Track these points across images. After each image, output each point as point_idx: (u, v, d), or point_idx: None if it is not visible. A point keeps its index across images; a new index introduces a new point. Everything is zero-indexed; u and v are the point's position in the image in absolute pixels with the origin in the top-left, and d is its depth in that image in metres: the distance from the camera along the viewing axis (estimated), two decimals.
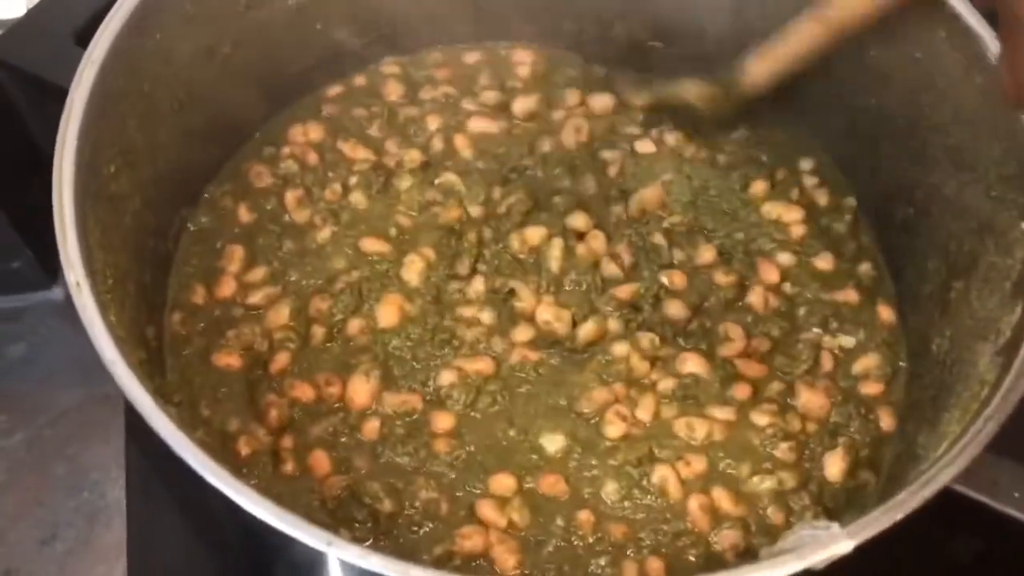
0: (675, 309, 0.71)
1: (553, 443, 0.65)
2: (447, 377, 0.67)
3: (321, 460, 0.64)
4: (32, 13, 0.69)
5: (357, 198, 0.76)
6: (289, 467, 0.64)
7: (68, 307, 0.54)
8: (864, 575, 0.47)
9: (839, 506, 0.64)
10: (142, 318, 0.63)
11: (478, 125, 0.82)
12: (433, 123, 0.82)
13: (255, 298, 0.70)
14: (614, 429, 0.65)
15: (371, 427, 0.65)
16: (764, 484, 0.64)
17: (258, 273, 0.71)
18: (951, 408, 0.57)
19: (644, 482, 0.64)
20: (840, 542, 0.44)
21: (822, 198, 0.79)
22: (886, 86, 0.72)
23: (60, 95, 0.58)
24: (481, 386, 0.67)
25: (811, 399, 0.68)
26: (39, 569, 0.79)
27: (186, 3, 0.67)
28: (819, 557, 0.44)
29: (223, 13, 0.71)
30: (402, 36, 0.85)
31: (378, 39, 0.84)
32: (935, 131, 0.69)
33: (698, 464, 0.65)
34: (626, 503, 0.63)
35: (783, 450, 0.66)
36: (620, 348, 0.69)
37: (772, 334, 0.71)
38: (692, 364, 0.69)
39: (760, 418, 0.67)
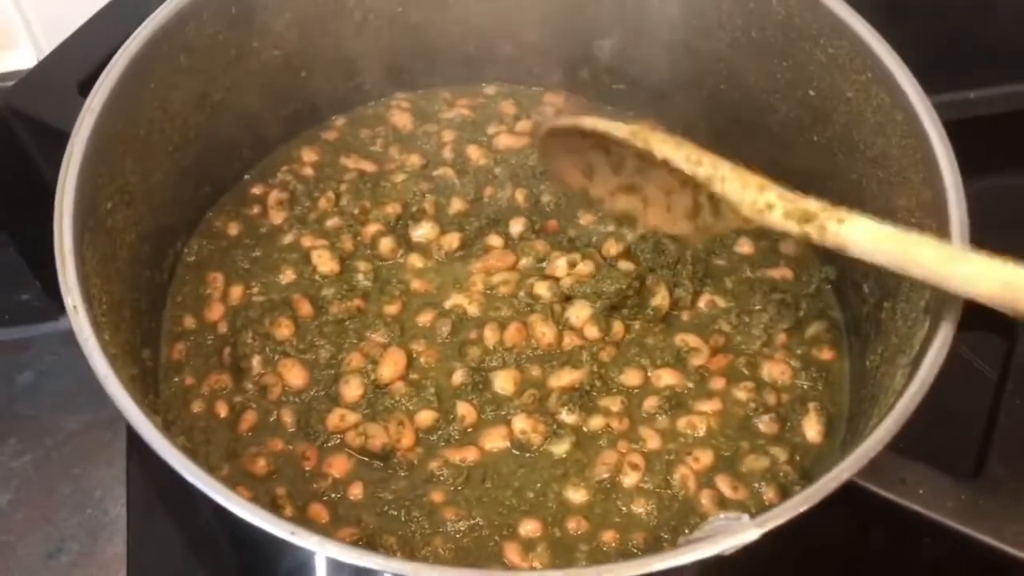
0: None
1: (577, 496, 0.68)
2: (434, 464, 0.69)
3: (319, 512, 0.67)
4: (41, 65, 0.75)
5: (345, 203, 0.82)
6: (289, 512, 0.67)
7: (73, 337, 0.58)
8: (785, 563, 0.52)
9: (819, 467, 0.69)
10: (137, 341, 0.68)
11: (503, 141, 0.87)
12: (448, 136, 0.87)
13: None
14: (630, 479, 0.69)
15: (356, 491, 0.68)
16: (759, 462, 0.70)
17: (235, 291, 0.77)
18: (872, 416, 0.63)
19: (667, 491, 0.69)
20: (748, 531, 0.49)
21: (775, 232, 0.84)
22: (825, 125, 0.78)
23: (65, 139, 0.64)
24: (471, 472, 0.69)
25: (773, 369, 0.75)
26: None
27: (180, 55, 0.72)
28: (728, 544, 0.48)
29: (214, 62, 0.76)
30: (404, 78, 0.91)
31: (374, 81, 0.90)
32: (871, 163, 0.75)
33: (705, 458, 0.70)
34: (652, 511, 0.68)
35: (766, 422, 0.72)
36: (596, 422, 0.72)
37: (724, 329, 0.77)
38: (667, 377, 0.74)
39: (740, 394, 0.73)
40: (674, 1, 0.82)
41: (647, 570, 0.49)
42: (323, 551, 0.48)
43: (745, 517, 0.50)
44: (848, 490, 0.52)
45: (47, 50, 0.80)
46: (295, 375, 0.73)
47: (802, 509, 0.50)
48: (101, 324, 0.58)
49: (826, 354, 0.77)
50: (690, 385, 0.74)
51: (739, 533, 0.49)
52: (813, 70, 0.77)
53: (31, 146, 0.86)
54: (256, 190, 0.84)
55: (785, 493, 0.69)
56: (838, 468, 0.53)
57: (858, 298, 0.76)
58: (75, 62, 0.72)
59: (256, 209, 0.83)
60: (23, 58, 0.89)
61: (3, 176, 0.87)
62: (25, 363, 0.95)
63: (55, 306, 0.91)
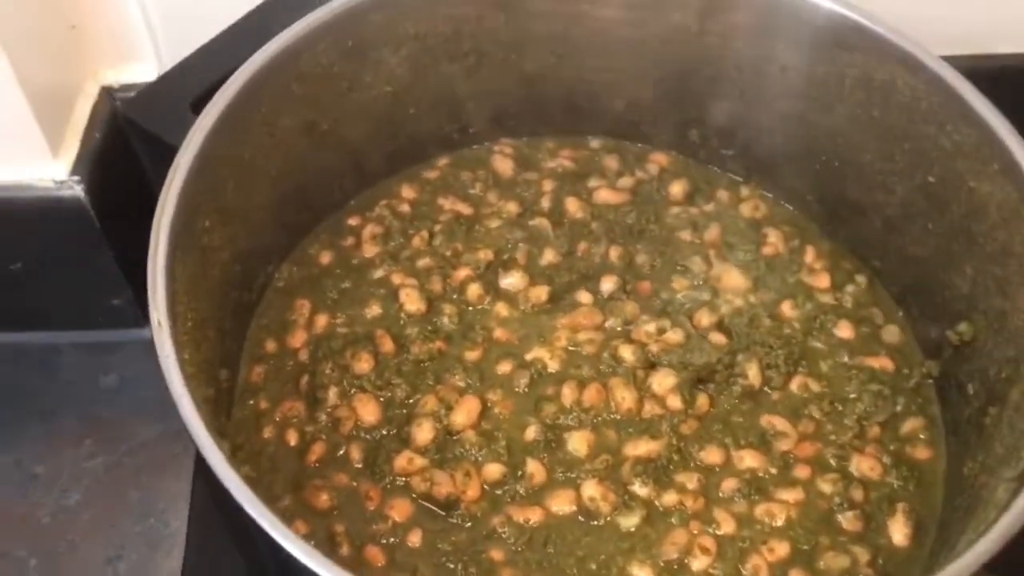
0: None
1: (642, 573, 0.66)
2: (496, 520, 0.67)
3: (375, 555, 0.66)
4: (159, 80, 0.77)
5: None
6: (345, 551, 0.66)
7: None
8: None
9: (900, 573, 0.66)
10: (216, 360, 0.68)
11: (603, 196, 0.85)
12: (547, 186, 0.86)
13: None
14: (699, 563, 0.66)
15: (414, 538, 0.67)
16: (838, 561, 0.66)
17: (321, 320, 0.77)
18: (968, 529, 0.58)
19: None
20: None
21: (878, 317, 0.81)
22: (943, 213, 0.74)
23: (173, 154, 0.65)
24: (534, 533, 0.67)
25: (862, 463, 0.71)
26: None
27: (292, 83, 0.73)
28: None
29: (326, 93, 0.77)
30: (510, 124, 0.90)
31: (480, 124, 0.89)
32: (989, 259, 0.71)
33: (781, 549, 0.67)
34: None
35: (850, 519, 0.68)
36: (670, 498, 0.69)
37: (814, 415, 0.73)
38: (750, 460, 0.71)
39: (825, 486, 0.70)
40: (795, 72, 0.80)
41: None
42: None
43: None
44: None
45: (168, 64, 0.82)
46: (369, 411, 0.72)
47: None
48: (183, 343, 0.58)
49: (921, 453, 0.73)
50: (773, 470, 0.71)
51: None
52: (935, 156, 0.73)
53: (144, 155, 0.88)
54: (353, 221, 0.84)
55: None
56: None
57: (961, 399, 0.72)
58: (192, 80, 0.73)
59: (350, 240, 0.83)
60: (146, 71, 0.92)
61: (114, 183, 0.89)
62: (111, 366, 0.97)
63: (144, 314, 0.93)
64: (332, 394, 0.73)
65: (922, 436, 0.74)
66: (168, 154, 0.66)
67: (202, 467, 0.82)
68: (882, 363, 0.77)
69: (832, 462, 0.72)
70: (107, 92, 0.91)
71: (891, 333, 0.80)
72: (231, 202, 0.71)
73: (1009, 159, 0.66)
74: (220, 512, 0.83)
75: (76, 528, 0.87)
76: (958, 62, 0.71)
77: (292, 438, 0.71)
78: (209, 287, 0.67)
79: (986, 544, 0.50)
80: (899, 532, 0.69)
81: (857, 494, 0.70)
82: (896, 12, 0.73)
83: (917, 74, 0.72)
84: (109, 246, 0.90)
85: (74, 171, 0.85)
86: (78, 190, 0.85)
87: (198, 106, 0.69)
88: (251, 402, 0.73)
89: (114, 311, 0.95)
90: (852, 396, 0.75)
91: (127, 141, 0.88)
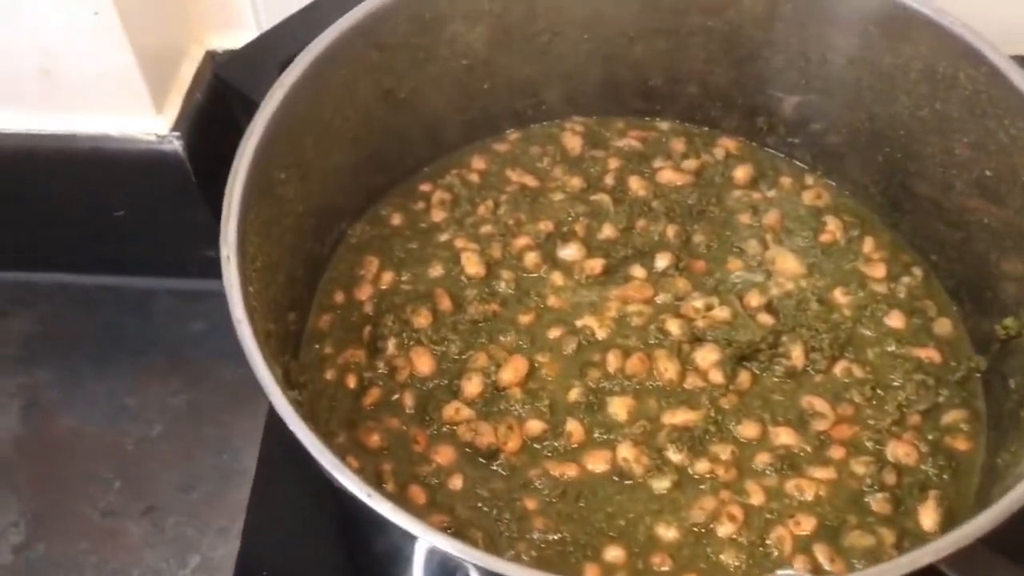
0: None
1: (668, 533, 0.69)
2: (533, 472, 0.71)
3: (417, 494, 0.70)
4: (251, 44, 0.82)
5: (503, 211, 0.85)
6: (390, 487, 0.70)
7: None
8: None
9: None
10: (286, 303, 0.74)
11: (666, 176, 0.88)
12: (613, 163, 0.89)
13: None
14: (725, 529, 0.69)
15: (455, 482, 0.70)
16: (863, 540, 0.68)
17: (387, 277, 0.81)
18: None
19: (761, 548, 0.68)
20: None
21: (931, 310, 0.81)
22: (1000, 207, 0.74)
23: None
24: (567, 487, 0.70)
25: (898, 449, 0.72)
26: (176, 510, 0.91)
27: (372, 51, 0.78)
28: None
29: (403, 62, 0.81)
30: (582, 102, 0.93)
31: (552, 101, 0.92)
32: None
33: (807, 523, 0.69)
34: (741, 564, 0.67)
35: (879, 501, 0.70)
36: (702, 466, 0.71)
37: (855, 400, 0.75)
38: (785, 437, 0.73)
39: (858, 467, 0.71)
40: (860, 63, 0.81)
41: None
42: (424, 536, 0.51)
43: None
44: None
45: None
46: (424, 362, 0.76)
47: None
48: (250, 277, 0.63)
49: (961, 444, 0.74)
50: (807, 448, 0.73)
51: None
52: (994, 150, 0.73)
53: (237, 116, 0.94)
54: (424, 187, 0.88)
55: None
56: (921, 550, 0.50)
57: (1003, 392, 0.73)
58: (281, 44, 0.78)
59: (420, 205, 0.87)
60: (247, 37, 0.96)
61: (212, 141, 0.95)
62: (200, 313, 1.04)
63: None
64: (391, 345, 0.77)
65: (963, 428, 0.74)
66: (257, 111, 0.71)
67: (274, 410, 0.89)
68: (929, 354, 0.78)
69: (868, 445, 0.73)
70: (210, 56, 0.98)
71: (943, 326, 0.80)
72: (309, 159, 0.76)
73: None
74: (287, 452, 0.88)
75: (156, 456, 0.94)
76: None
77: (351, 381, 0.76)
78: (281, 234, 0.72)
79: (987, 516, 0.51)
80: (928, 518, 0.69)
81: (890, 478, 0.71)
82: (965, 9, 0.74)
83: (979, 67, 0.72)
84: (204, 200, 0.96)
85: (175, 127, 0.92)
86: (178, 145, 0.92)
87: (285, 68, 0.74)
88: (316, 346, 0.78)
89: (206, 262, 1.00)
90: (896, 384, 0.76)
91: (226, 103, 0.95)
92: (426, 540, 0.53)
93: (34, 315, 1.03)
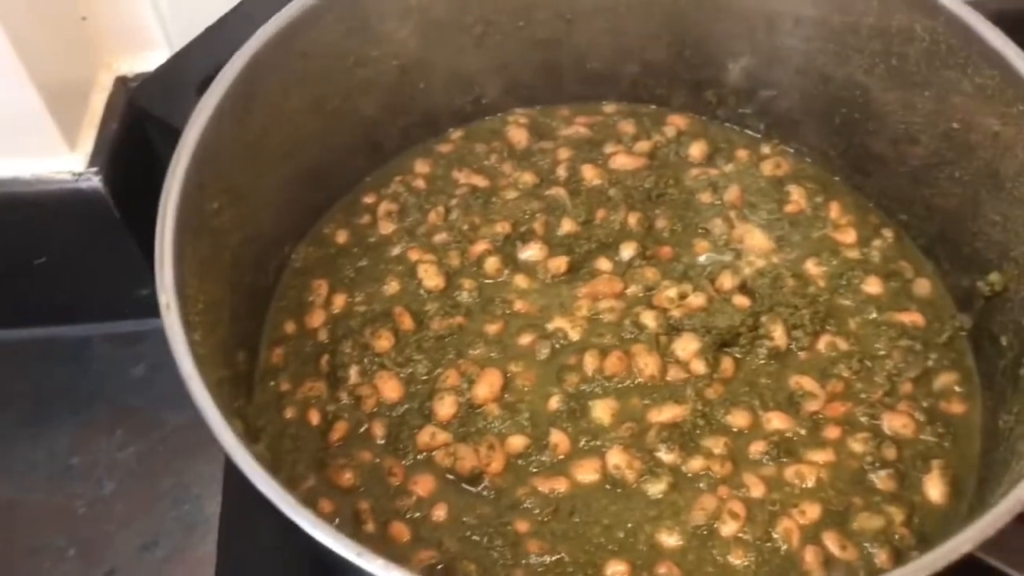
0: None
1: (671, 540, 0.65)
2: (522, 491, 0.67)
3: (400, 531, 0.65)
4: (164, 66, 0.77)
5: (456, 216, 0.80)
6: (371, 528, 0.66)
7: None
8: None
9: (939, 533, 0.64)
10: (233, 343, 0.68)
11: (619, 161, 0.84)
12: (563, 154, 0.85)
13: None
14: (728, 528, 0.65)
15: (439, 512, 0.66)
16: (873, 522, 0.65)
17: (339, 300, 0.76)
18: (1003, 482, 0.56)
19: (768, 544, 0.65)
20: None
21: (907, 272, 0.79)
22: (969, 159, 0.72)
23: None
24: (560, 503, 0.66)
25: (894, 421, 0.69)
26: (138, 572, 0.85)
27: (297, 60, 0.72)
28: None
29: (332, 69, 0.76)
30: (523, 93, 0.88)
31: (492, 95, 0.88)
32: (1018, 203, 0.68)
33: (812, 511, 0.66)
34: (751, 564, 0.64)
35: (883, 478, 0.67)
36: (696, 463, 0.68)
37: (843, 375, 0.72)
38: (777, 422, 0.70)
39: (856, 445, 0.68)
40: (808, 24, 0.77)
41: None
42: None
43: None
44: (969, 565, 0.47)
45: None
46: (390, 388, 0.72)
47: None
48: (194, 324, 0.58)
49: (956, 407, 0.71)
50: (802, 432, 0.70)
51: None
52: (958, 101, 0.71)
53: (156, 143, 0.88)
54: (368, 199, 0.84)
55: (900, 558, 0.63)
56: (957, 539, 0.47)
57: (995, 351, 0.70)
58: (197, 64, 0.73)
59: (366, 218, 0.82)
60: (160, 59, 0.91)
61: (133, 172, 0.89)
62: (140, 356, 0.97)
63: None
64: (353, 373, 0.73)
65: (957, 390, 0.72)
66: (177, 139, 0.65)
67: None
68: (912, 318, 0.75)
69: (863, 420, 0.70)
70: (122, 82, 0.91)
71: (922, 287, 0.77)
72: (241, 183, 0.70)
73: None
74: (252, 495, 0.83)
75: (111, 517, 0.88)
76: (985, 7, 0.69)
77: (314, 418, 0.71)
78: (221, 269, 0.67)
79: (1017, 495, 0.48)
80: (935, 489, 0.67)
81: (890, 452, 0.68)
82: None
83: (935, 17, 0.70)
84: (131, 236, 0.90)
85: (92, 163, 0.86)
86: (96, 181, 0.85)
87: (203, 89, 0.69)
88: (272, 384, 0.73)
89: (141, 301, 0.95)
90: (882, 353, 0.73)
91: (144, 130, 0.88)
92: None
93: None
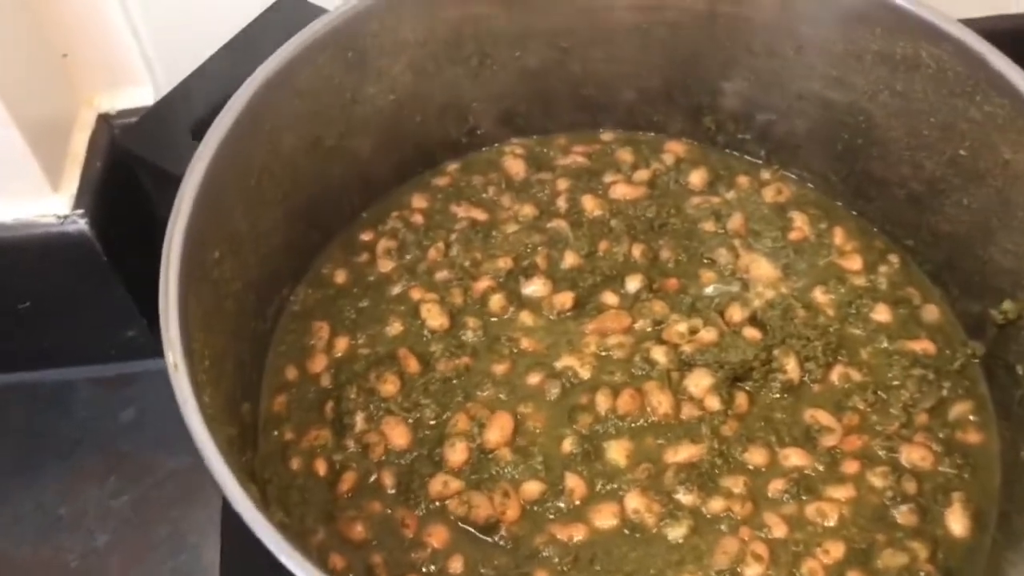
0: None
1: None
2: (539, 540, 0.65)
3: None
4: (155, 108, 0.74)
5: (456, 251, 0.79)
6: None
7: None
8: None
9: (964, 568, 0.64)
10: (238, 395, 0.66)
11: (620, 191, 0.82)
12: (562, 184, 0.83)
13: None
14: (752, 571, 0.64)
15: (456, 565, 0.64)
16: (897, 559, 0.64)
17: (341, 343, 0.74)
18: None
19: None
20: None
21: (915, 298, 0.78)
22: (978, 186, 0.71)
23: (176, 183, 0.62)
24: (579, 551, 0.65)
25: (912, 453, 0.69)
26: None
27: (295, 99, 0.70)
28: None
29: (329, 107, 0.74)
30: (519, 123, 0.87)
31: (488, 126, 0.86)
32: None
33: (836, 550, 0.64)
34: None
35: (904, 513, 0.66)
36: (716, 504, 0.66)
37: (858, 407, 0.71)
38: (796, 458, 0.69)
39: (876, 480, 0.67)
40: (810, 49, 0.77)
41: None
42: None
43: None
44: None
45: (165, 86, 0.79)
46: (398, 434, 0.70)
47: None
48: (202, 383, 0.55)
49: (973, 437, 0.71)
50: (820, 467, 0.68)
51: None
52: (965, 128, 0.70)
53: (148, 183, 0.85)
54: (365, 236, 0.81)
55: None
56: None
57: (1011, 380, 0.69)
58: (189, 105, 0.71)
59: (364, 257, 0.80)
60: (143, 95, 0.89)
61: (119, 213, 0.86)
62: (129, 400, 0.95)
63: (160, 343, 0.91)
64: (359, 419, 0.70)
65: (972, 419, 0.71)
66: (170, 183, 0.63)
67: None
68: (923, 346, 0.74)
69: (881, 454, 0.69)
70: (104, 119, 0.88)
71: (930, 312, 0.77)
72: (240, 229, 0.68)
73: None
74: (252, 541, 0.80)
75: (106, 571, 0.85)
76: (978, 24, 0.68)
77: (321, 468, 0.69)
78: (224, 320, 0.65)
79: None
80: (957, 523, 0.66)
81: (910, 486, 0.67)
82: None
83: (940, 44, 0.69)
84: (118, 278, 0.88)
85: (77, 204, 0.83)
86: (82, 224, 0.83)
87: (198, 131, 0.66)
88: (275, 433, 0.71)
89: (128, 343, 0.93)
90: (895, 383, 0.72)
91: (129, 168, 0.86)
92: None
93: None
